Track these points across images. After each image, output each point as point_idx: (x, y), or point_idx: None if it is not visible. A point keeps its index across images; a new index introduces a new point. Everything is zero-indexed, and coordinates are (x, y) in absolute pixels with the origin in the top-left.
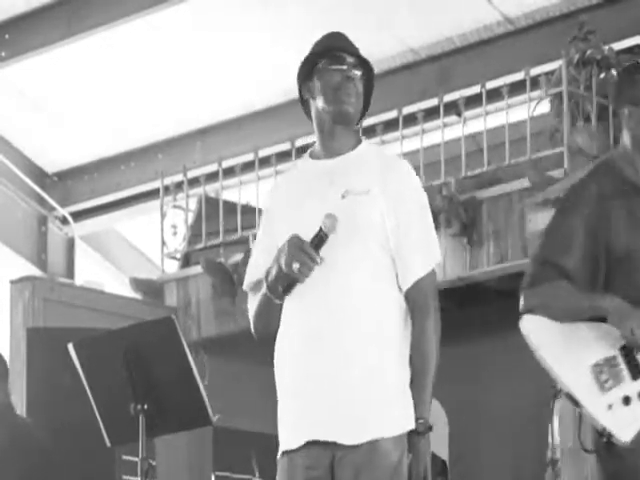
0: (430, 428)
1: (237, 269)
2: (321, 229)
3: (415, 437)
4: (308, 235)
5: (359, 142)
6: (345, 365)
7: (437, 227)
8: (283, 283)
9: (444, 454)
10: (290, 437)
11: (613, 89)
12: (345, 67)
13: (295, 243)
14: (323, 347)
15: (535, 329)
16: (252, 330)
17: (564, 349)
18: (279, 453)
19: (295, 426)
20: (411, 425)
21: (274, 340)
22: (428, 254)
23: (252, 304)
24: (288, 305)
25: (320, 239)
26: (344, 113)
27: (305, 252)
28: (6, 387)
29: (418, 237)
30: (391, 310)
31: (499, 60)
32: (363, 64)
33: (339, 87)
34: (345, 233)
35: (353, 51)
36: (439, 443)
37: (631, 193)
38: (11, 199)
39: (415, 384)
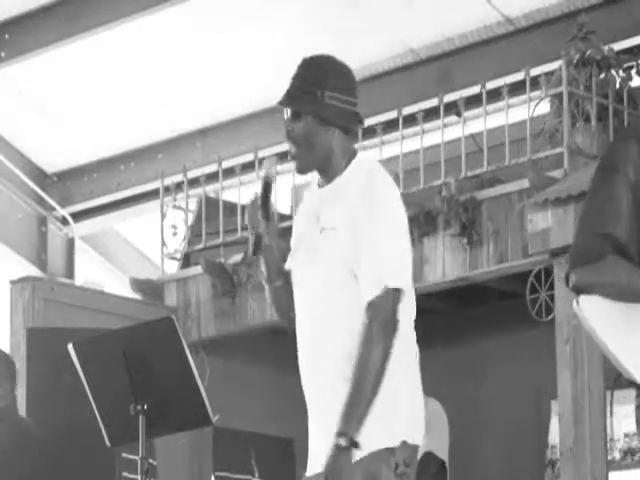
0: (354, 445)
1: (237, 269)
2: (265, 176)
3: (334, 451)
4: (302, 268)
5: (350, 159)
6: (325, 396)
7: (436, 228)
8: (250, 247)
9: (443, 455)
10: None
11: None
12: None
13: (247, 211)
14: (308, 378)
15: (592, 310)
16: None
17: (626, 332)
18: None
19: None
20: (394, 442)
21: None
22: (378, 277)
23: None
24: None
25: (265, 185)
26: (297, 169)
27: (252, 209)
28: (10, 388)
29: (370, 261)
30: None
31: (499, 60)
32: (292, 100)
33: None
34: (321, 266)
35: (283, 102)
36: (439, 444)
37: None
38: (11, 199)
39: (348, 397)
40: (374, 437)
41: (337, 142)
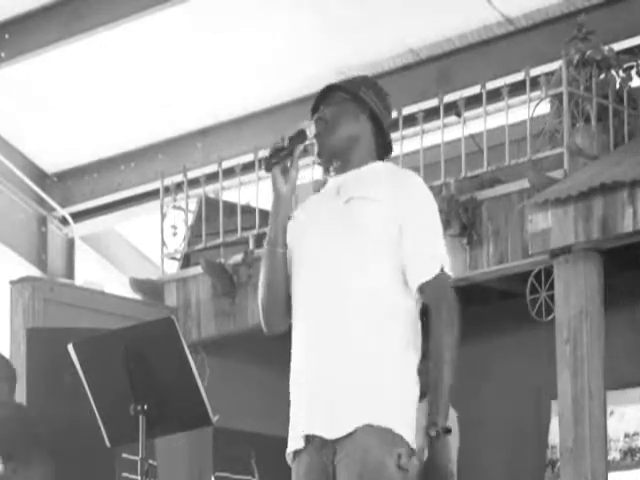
0: (447, 431)
1: (237, 269)
2: (302, 129)
3: (431, 439)
4: (313, 242)
5: (372, 161)
6: (336, 363)
7: None
8: (269, 153)
9: (451, 459)
10: (293, 436)
11: None
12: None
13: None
14: (319, 348)
15: None
16: (260, 312)
17: None
18: (290, 454)
19: (296, 424)
20: (402, 429)
21: (277, 328)
22: (434, 257)
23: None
24: (295, 307)
25: (300, 132)
26: (318, 151)
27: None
28: (7, 389)
29: (425, 242)
30: (390, 311)
31: (499, 60)
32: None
33: None
34: (344, 233)
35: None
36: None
37: None
38: (11, 200)
39: (430, 391)
40: (387, 415)
41: (363, 134)
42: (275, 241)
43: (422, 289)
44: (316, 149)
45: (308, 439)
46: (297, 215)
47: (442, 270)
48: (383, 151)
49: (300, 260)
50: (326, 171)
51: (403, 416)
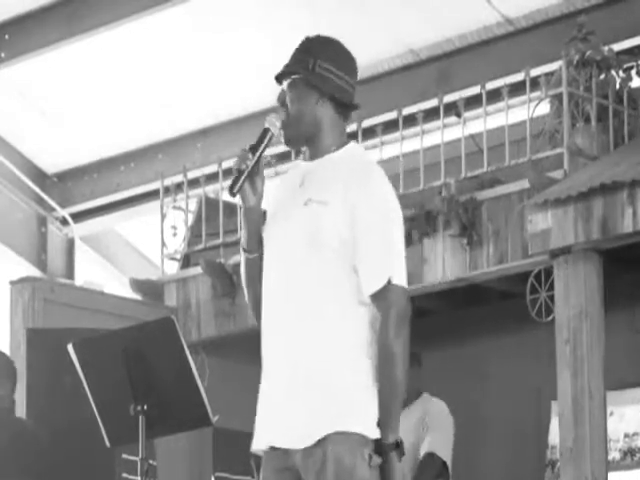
0: (397, 445)
1: (237, 270)
2: (266, 126)
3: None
4: (279, 235)
5: (344, 143)
6: (294, 373)
7: (436, 228)
8: (231, 183)
9: (445, 455)
10: (258, 438)
11: None
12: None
13: (239, 153)
14: (277, 356)
15: None
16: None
17: None
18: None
19: (259, 429)
20: (369, 433)
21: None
22: (383, 269)
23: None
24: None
25: (263, 132)
26: (284, 139)
27: (243, 151)
28: (10, 390)
29: (374, 252)
30: (345, 319)
31: (499, 61)
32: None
33: None
34: (302, 241)
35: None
36: (441, 444)
37: None
38: (11, 200)
39: (380, 406)
40: (351, 419)
41: (327, 116)
42: (248, 247)
43: (372, 299)
44: (282, 139)
45: (273, 447)
46: (270, 202)
47: (389, 282)
48: (347, 111)
49: (266, 263)
50: (297, 154)
51: (367, 417)
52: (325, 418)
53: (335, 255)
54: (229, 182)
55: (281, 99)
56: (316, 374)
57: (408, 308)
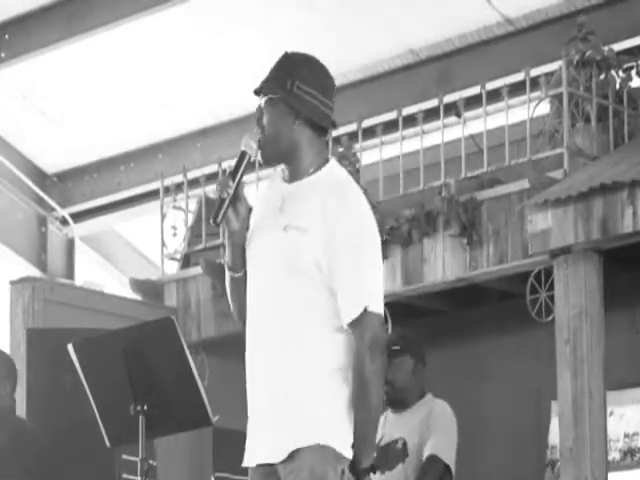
0: (368, 472)
1: None
2: (243, 149)
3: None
4: (259, 258)
5: (323, 163)
6: (274, 396)
7: (436, 228)
8: (214, 212)
9: (448, 458)
10: (247, 456)
11: None
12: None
13: (219, 179)
14: (258, 377)
15: None
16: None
17: None
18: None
19: (247, 447)
20: (344, 451)
21: None
22: (358, 297)
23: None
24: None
25: (241, 156)
26: (261, 159)
27: (224, 177)
28: (10, 389)
29: (350, 281)
30: (323, 345)
31: (499, 61)
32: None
33: None
34: (281, 267)
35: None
36: (444, 447)
37: None
38: (11, 200)
39: (355, 431)
40: (327, 435)
41: (304, 137)
42: (233, 267)
43: (349, 327)
44: (260, 159)
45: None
46: (257, 208)
47: (366, 310)
48: (324, 131)
49: (249, 280)
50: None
51: (343, 437)
52: (303, 434)
53: (313, 282)
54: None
55: (258, 115)
56: (294, 399)
57: (383, 335)
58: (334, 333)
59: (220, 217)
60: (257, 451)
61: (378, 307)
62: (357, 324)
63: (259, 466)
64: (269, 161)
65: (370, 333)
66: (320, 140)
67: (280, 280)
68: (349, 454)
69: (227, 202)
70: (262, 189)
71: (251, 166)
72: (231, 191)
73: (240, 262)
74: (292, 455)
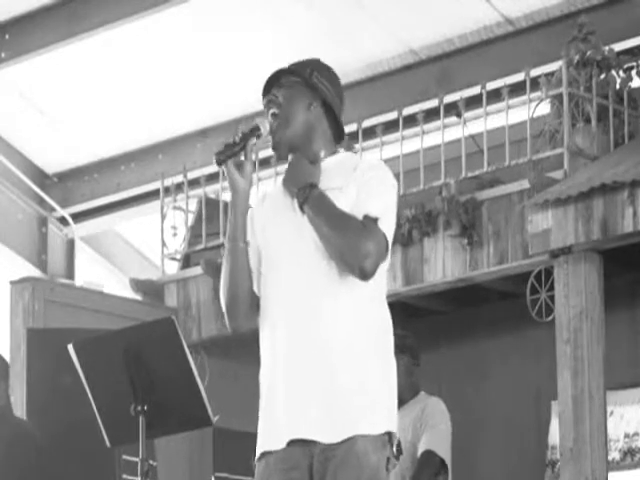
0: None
1: None
2: (256, 124)
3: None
4: (283, 235)
5: (334, 151)
6: (326, 367)
7: (437, 228)
8: (221, 150)
9: (443, 453)
10: (272, 437)
11: None
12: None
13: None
14: (301, 348)
15: None
16: (224, 311)
17: None
18: (257, 455)
19: (276, 426)
20: (392, 427)
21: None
22: (380, 206)
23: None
24: (266, 310)
25: (253, 127)
26: (273, 144)
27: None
28: (4, 388)
29: (369, 192)
30: (367, 311)
31: (499, 61)
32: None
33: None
34: (314, 245)
35: (271, 84)
36: (439, 442)
37: None
38: (11, 200)
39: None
40: (379, 421)
41: (318, 122)
42: (235, 236)
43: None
44: (271, 144)
45: (289, 442)
46: (263, 206)
47: (376, 222)
48: (338, 138)
49: (271, 263)
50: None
51: (391, 420)
52: (352, 417)
53: None
54: (227, 182)
55: (269, 108)
56: (353, 379)
57: (384, 253)
58: (370, 304)
59: (224, 156)
60: (293, 427)
61: (388, 234)
62: (369, 221)
63: (289, 445)
64: (280, 146)
65: (377, 244)
66: (331, 132)
67: (314, 253)
68: (395, 438)
69: (236, 146)
70: (261, 193)
71: (252, 166)
72: (237, 139)
73: (243, 231)
74: (345, 440)
